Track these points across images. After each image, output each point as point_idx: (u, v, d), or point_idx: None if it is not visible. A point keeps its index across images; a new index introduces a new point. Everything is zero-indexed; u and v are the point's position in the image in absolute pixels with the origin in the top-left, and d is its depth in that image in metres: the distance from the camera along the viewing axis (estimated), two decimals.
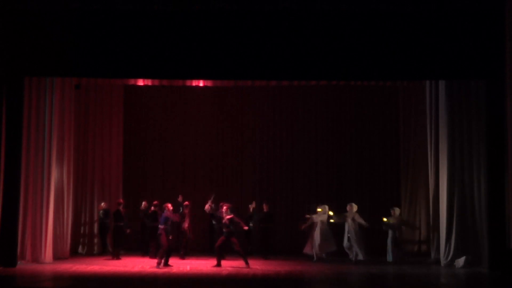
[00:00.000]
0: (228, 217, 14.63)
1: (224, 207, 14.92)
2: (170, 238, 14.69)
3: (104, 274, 13.14)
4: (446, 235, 14.70)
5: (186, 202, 16.49)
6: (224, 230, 14.73)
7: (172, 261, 14.70)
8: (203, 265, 14.56)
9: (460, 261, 14.39)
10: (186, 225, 16.08)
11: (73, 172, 16.77)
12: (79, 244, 17.45)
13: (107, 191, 17.68)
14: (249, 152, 18.81)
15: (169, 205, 14.96)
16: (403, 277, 13.32)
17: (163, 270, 13.80)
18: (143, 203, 17.06)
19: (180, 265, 14.56)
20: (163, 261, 14.29)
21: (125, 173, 18.21)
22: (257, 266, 14.50)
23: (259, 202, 17.43)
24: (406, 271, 14.09)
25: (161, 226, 14.55)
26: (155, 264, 14.23)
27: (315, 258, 15.76)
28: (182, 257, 15.81)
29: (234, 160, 18.82)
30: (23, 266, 14.11)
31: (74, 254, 16.66)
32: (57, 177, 15.71)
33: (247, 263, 14.25)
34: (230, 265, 14.46)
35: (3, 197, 13.97)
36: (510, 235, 13.32)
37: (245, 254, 14.61)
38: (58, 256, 15.45)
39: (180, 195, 17.08)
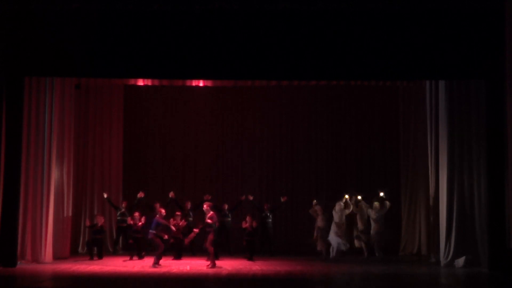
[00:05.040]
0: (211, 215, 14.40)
1: (205, 205, 14.63)
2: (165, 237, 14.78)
3: (104, 274, 13.13)
4: (446, 235, 14.67)
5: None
6: (207, 229, 14.47)
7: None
8: (203, 265, 14.56)
9: (460, 261, 14.38)
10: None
11: (73, 172, 16.74)
12: (79, 244, 17.48)
13: (107, 191, 17.67)
14: (249, 152, 18.82)
15: (162, 210, 14.92)
16: (403, 277, 13.32)
17: (163, 270, 13.79)
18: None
19: (180, 265, 14.58)
20: (158, 261, 14.27)
21: (125, 173, 18.22)
22: (257, 266, 14.51)
23: (259, 201, 17.45)
24: (406, 271, 14.10)
25: (152, 232, 14.42)
26: (151, 264, 14.26)
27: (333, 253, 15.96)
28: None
29: (234, 159, 18.82)
30: (23, 266, 14.09)
31: (74, 254, 16.66)
32: (57, 177, 15.68)
33: (213, 264, 14.12)
34: (230, 265, 14.46)
35: (3, 197, 13.94)
36: (510, 235, 13.32)
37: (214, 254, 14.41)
38: (58, 256, 15.44)
39: (171, 192, 16.78)
